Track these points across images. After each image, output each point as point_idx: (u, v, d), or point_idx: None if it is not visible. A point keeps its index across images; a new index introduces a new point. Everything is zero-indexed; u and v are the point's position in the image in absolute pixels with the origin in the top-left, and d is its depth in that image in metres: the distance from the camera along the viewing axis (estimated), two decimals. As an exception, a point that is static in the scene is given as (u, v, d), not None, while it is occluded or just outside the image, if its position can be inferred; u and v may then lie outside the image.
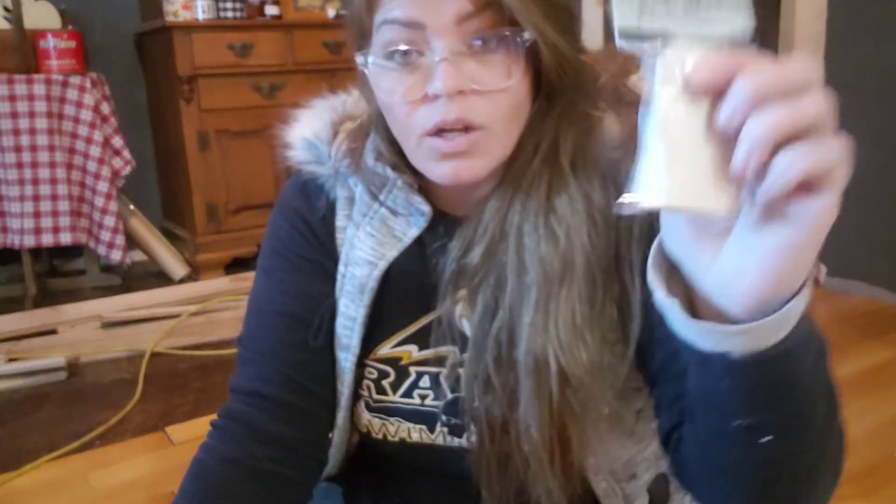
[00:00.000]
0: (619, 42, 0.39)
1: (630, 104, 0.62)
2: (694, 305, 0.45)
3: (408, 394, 0.70)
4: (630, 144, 0.61)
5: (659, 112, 0.38)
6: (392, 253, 0.68)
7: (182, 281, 3.07)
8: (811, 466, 0.50)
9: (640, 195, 0.38)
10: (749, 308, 0.41)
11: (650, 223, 0.57)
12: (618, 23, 0.38)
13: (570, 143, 0.62)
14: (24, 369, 2.15)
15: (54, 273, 3.17)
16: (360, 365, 0.72)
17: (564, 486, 0.64)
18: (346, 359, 0.71)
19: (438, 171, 0.61)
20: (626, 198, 0.38)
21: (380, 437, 0.73)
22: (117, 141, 2.91)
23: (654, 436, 0.68)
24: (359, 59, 0.61)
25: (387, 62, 0.59)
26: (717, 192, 0.38)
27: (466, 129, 0.58)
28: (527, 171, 0.62)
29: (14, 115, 2.67)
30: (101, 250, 2.90)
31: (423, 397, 0.70)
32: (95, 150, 2.81)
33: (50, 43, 2.78)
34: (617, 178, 0.61)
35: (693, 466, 0.58)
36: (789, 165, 0.35)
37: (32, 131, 2.70)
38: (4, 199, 2.75)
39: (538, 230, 0.61)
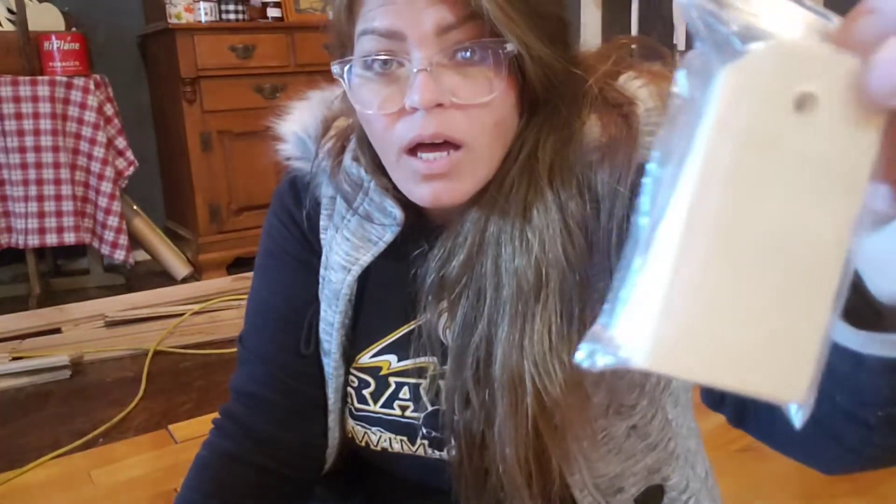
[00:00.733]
0: (689, 9, 0.21)
1: (616, 105, 0.59)
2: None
3: (388, 404, 0.69)
4: (611, 147, 0.58)
5: (715, 163, 0.20)
6: (366, 258, 0.67)
7: (185, 280, 3.08)
8: None
9: (632, 345, 0.21)
10: None
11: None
12: None
13: (549, 151, 0.59)
14: (29, 367, 2.16)
15: (58, 272, 3.18)
16: (347, 370, 0.72)
17: None
18: (329, 364, 0.71)
19: (418, 193, 0.59)
20: (596, 342, 0.22)
21: (363, 444, 0.72)
22: (121, 142, 2.93)
23: (648, 451, 0.66)
24: (335, 69, 0.59)
25: (366, 72, 0.57)
26: (800, 360, 0.21)
27: (446, 144, 0.56)
28: (505, 179, 0.59)
29: (18, 117, 2.69)
30: (105, 250, 2.92)
31: (403, 408, 0.68)
32: (99, 151, 2.83)
33: (54, 45, 2.79)
34: (591, 182, 0.58)
35: (800, 438, 0.46)
36: None
37: (37, 132, 2.71)
38: (9, 199, 2.76)
39: (514, 241, 0.59)
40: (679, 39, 3.47)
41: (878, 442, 0.42)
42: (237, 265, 3.15)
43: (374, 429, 0.70)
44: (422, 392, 0.67)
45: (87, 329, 2.52)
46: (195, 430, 1.86)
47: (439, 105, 0.54)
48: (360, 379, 0.71)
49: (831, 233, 0.20)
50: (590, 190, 0.59)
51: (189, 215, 3.18)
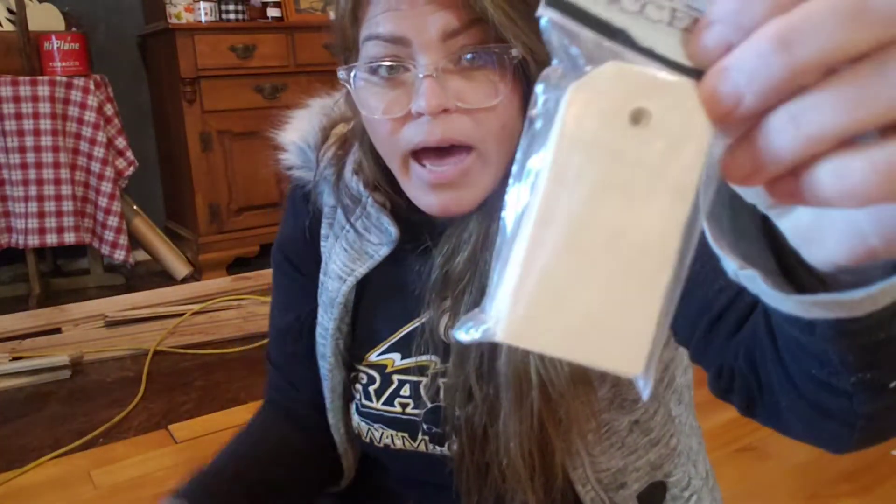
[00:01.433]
0: (546, 11, 0.23)
1: None
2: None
3: (389, 402, 0.70)
4: None
5: (562, 169, 0.23)
6: (361, 270, 0.68)
7: (185, 280, 3.08)
8: None
9: (495, 322, 0.24)
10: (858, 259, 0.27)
11: None
12: None
13: None
14: (29, 367, 2.16)
15: (58, 273, 3.18)
16: (349, 370, 0.73)
17: (543, 500, 0.63)
18: (324, 366, 0.73)
19: (426, 202, 0.59)
20: (470, 320, 0.25)
21: (367, 440, 0.73)
22: (121, 142, 2.94)
23: (650, 447, 0.67)
24: (341, 74, 0.59)
25: (371, 77, 0.58)
26: (636, 338, 0.25)
27: (452, 149, 0.56)
28: (510, 177, 0.60)
29: (18, 117, 2.69)
30: (105, 250, 2.92)
31: (403, 406, 0.70)
32: (99, 151, 2.83)
33: (54, 45, 2.80)
34: None
35: (803, 418, 0.46)
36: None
37: (37, 132, 2.72)
38: (9, 199, 2.77)
39: None
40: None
41: (859, 410, 0.41)
42: (237, 265, 3.15)
43: (376, 425, 0.71)
44: (421, 390, 0.68)
45: (87, 329, 2.52)
46: (195, 430, 1.85)
47: (445, 110, 0.55)
48: (368, 375, 0.72)
49: (661, 230, 0.24)
50: None
51: (189, 215, 3.18)
